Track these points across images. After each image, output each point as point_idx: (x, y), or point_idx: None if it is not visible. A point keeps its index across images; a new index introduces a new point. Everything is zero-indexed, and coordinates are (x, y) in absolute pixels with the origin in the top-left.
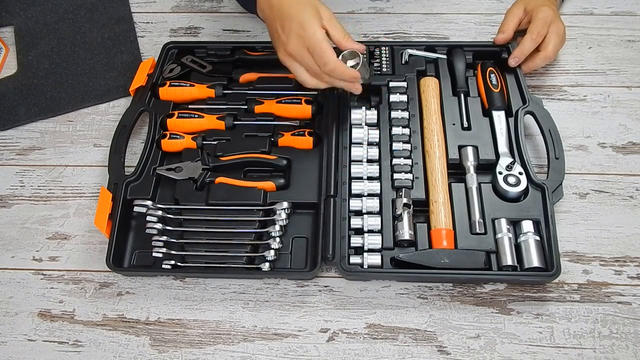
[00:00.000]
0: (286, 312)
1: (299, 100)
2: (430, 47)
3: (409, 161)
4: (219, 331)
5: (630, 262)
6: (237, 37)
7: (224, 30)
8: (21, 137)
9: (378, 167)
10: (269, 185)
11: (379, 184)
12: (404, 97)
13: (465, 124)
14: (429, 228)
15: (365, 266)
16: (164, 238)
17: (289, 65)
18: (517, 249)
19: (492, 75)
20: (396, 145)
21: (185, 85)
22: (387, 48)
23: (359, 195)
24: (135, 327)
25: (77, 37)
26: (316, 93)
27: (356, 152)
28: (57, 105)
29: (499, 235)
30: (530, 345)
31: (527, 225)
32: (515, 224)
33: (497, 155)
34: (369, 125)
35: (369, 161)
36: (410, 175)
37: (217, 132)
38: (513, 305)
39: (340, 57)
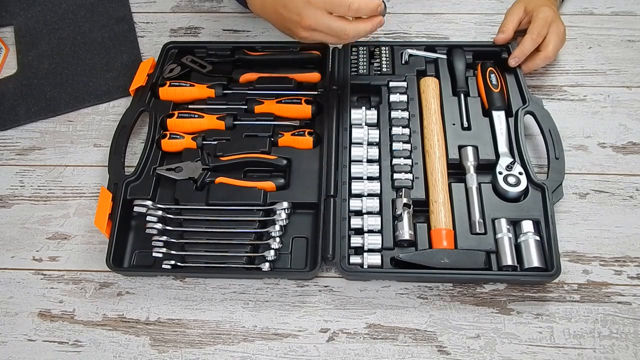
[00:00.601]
0: (286, 312)
1: (299, 100)
2: (430, 47)
3: (409, 161)
4: (219, 331)
5: (630, 262)
6: (237, 37)
7: (224, 30)
8: (21, 137)
9: (378, 167)
10: (269, 185)
11: (379, 184)
12: (404, 97)
13: (465, 124)
14: (429, 228)
15: (365, 266)
16: (164, 238)
17: (315, 38)
18: (517, 249)
19: (492, 75)
20: (396, 145)
21: (185, 85)
22: (387, 48)
23: (359, 195)
24: (135, 327)
25: (77, 37)
26: (316, 93)
27: (356, 152)
28: (57, 105)
29: (499, 235)
30: (530, 345)
31: (527, 225)
32: (515, 224)
33: (497, 155)
34: (369, 125)
35: (369, 161)
36: (410, 175)
37: (217, 132)
38: (513, 305)
39: None
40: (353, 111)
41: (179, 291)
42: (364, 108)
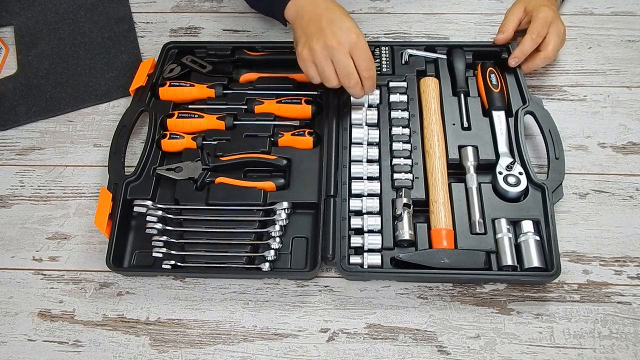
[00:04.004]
0: (286, 312)
1: (299, 100)
2: (430, 47)
3: (409, 161)
4: (219, 331)
5: (630, 262)
6: (237, 37)
7: (224, 30)
8: (21, 137)
9: (378, 167)
10: (269, 185)
11: (379, 184)
12: (404, 97)
13: (465, 124)
14: (429, 228)
15: (365, 266)
16: (164, 238)
17: (319, 60)
18: (517, 249)
19: (492, 75)
20: (396, 145)
21: (185, 85)
22: (387, 48)
23: (359, 195)
24: (135, 327)
25: (77, 37)
26: (316, 93)
27: (356, 152)
28: (57, 105)
29: (499, 235)
30: (530, 345)
31: (527, 225)
32: (515, 224)
33: (497, 155)
34: (369, 125)
35: (369, 161)
36: (410, 175)
37: (217, 132)
38: (513, 305)
39: None
40: (353, 111)
41: (179, 291)
42: (365, 105)
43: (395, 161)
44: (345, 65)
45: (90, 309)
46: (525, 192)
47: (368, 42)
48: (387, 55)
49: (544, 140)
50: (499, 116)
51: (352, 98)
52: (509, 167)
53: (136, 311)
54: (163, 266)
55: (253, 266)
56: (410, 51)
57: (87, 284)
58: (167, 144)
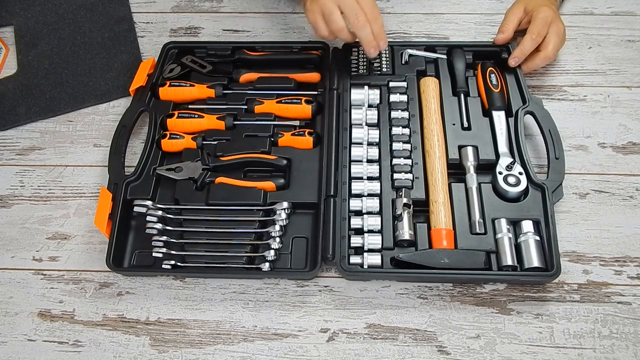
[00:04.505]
0: (286, 312)
1: (299, 100)
2: (430, 47)
3: (409, 161)
4: (219, 331)
5: (630, 262)
6: (237, 37)
7: (224, 30)
8: (21, 137)
9: (378, 167)
10: (269, 185)
11: (379, 184)
12: (404, 97)
13: (465, 124)
14: (429, 228)
15: (365, 266)
16: (164, 238)
17: (326, 6)
18: (517, 249)
19: (492, 75)
20: (396, 145)
21: (185, 85)
22: (387, 48)
23: (359, 195)
24: (135, 327)
25: (77, 37)
26: (316, 93)
27: (356, 152)
28: (57, 105)
29: (499, 235)
30: (530, 345)
31: (527, 225)
32: (515, 224)
33: (497, 155)
34: (369, 125)
35: (369, 161)
36: (410, 175)
37: (217, 132)
38: (513, 305)
39: None
40: (353, 111)
41: (179, 291)
42: (365, 105)
43: (395, 161)
44: (352, 6)
45: (90, 309)
46: (525, 192)
47: None
48: (387, 55)
49: (544, 140)
50: (499, 116)
51: (352, 96)
52: (509, 167)
53: (136, 311)
54: (163, 266)
55: (253, 266)
56: (410, 51)
57: (87, 284)
58: (167, 144)
